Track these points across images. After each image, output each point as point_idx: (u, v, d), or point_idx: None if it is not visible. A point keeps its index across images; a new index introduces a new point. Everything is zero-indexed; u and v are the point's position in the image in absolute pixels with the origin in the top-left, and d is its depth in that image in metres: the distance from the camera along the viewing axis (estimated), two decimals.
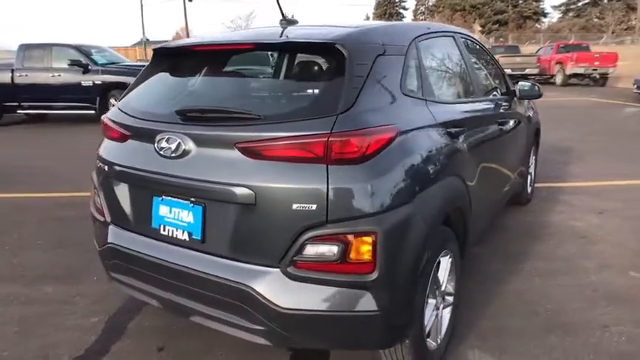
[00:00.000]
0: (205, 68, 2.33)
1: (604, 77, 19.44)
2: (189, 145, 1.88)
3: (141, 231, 2.12)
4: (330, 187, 1.69)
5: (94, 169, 2.45)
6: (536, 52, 23.14)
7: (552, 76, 20.69)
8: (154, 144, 1.98)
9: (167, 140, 1.93)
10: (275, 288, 1.77)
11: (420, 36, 2.40)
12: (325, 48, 1.93)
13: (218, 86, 2.31)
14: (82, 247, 3.62)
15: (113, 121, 2.25)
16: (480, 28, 42.73)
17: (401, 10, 60.07)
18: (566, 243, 3.70)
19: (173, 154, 1.91)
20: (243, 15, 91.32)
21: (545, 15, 46.34)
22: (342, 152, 1.70)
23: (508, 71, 21.81)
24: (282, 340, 1.86)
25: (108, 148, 2.28)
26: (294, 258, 1.74)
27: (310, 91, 1.93)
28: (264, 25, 2.48)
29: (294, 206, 1.71)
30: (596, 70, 19.21)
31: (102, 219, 2.31)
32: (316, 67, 2.03)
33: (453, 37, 2.94)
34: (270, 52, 2.41)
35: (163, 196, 2.02)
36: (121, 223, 2.21)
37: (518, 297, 2.88)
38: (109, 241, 2.22)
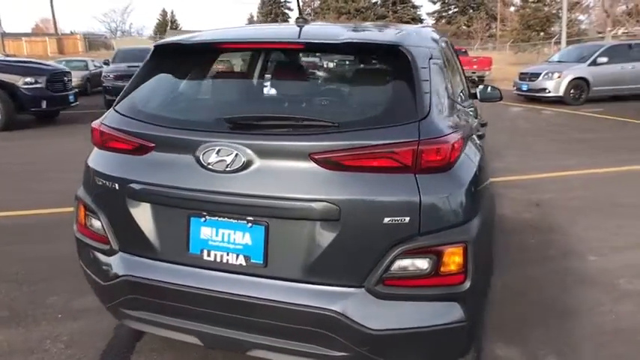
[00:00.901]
0: (245, 69, 2.07)
1: (481, 80, 21.54)
2: (250, 157, 1.65)
3: (171, 258, 1.82)
4: (422, 197, 1.59)
5: (84, 185, 2.06)
6: None
7: None
8: (195, 156, 1.71)
9: (218, 152, 1.67)
10: (362, 309, 1.63)
11: (439, 39, 2.40)
12: (389, 50, 1.82)
13: (269, 90, 2.06)
14: (19, 279, 3.08)
15: (119, 130, 1.90)
16: None
17: (286, 11, 60.59)
18: (524, 234, 3.99)
19: (228, 168, 1.66)
20: (118, 9, 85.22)
21: (421, 21, 49.96)
22: (431, 160, 1.62)
23: None
24: None
25: (112, 162, 1.92)
26: (383, 275, 1.62)
27: (380, 95, 1.81)
28: (277, 24, 2.28)
29: (386, 220, 1.58)
30: (474, 72, 21.20)
31: (103, 247, 1.95)
32: (378, 70, 1.90)
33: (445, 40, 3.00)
34: (319, 54, 2.21)
35: (207, 217, 1.75)
36: (137, 250, 1.88)
37: (504, 287, 3.00)
38: (121, 273, 1.88)
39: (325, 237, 1.63)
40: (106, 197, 1.93)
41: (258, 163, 1.66)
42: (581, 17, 31.98)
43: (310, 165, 1.62)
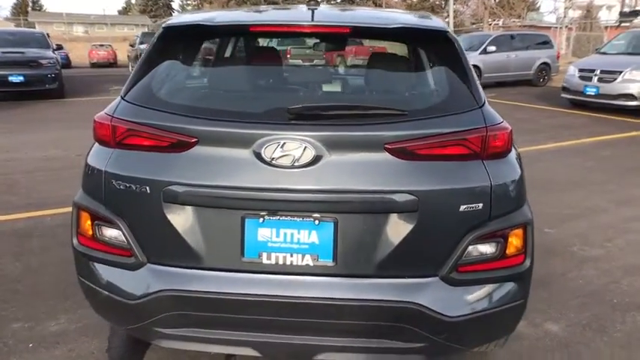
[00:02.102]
0: (286, 54, 1.89)
1: None
2: (320, 150, 1.54)
3: (222, 265, 1.65)
4: (492, 183, 1.62)
5: (87, 190, 1.78)
6: None
7: None
8: (253, 151, 1.55)
9: (282, 146, 1.53)
10: (439, 298, 1.62)
11: None
12: (437, 36, 1.79)
13: (319, 77, 1.90)
14: None
15: (145, 124, 1.65)
16: None
17: None
18: None
19: (296, 163, 1.53)
20: None
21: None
22: (495, 146, 1.65)
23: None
24: (442, 351, 1.73)
25: (138, 161, 1.67)
26: (457, 262, 1.62)
27: (437, 82, 1.77)
28: (288, 6, 2.12)
29: (462, 207, 1.58)
30: None
31: (125, 260, 1.71)
32: (429, 56, 1.85)
33: None
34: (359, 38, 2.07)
35: (266, 217, 1.60)
36: (175, 260, 1.67)
37: None
38: (157, 288, 1.65)
39: (401, 229, 1.58)
40: (129, 202, 1.67)
41: (328, 156, 1.55)
42: (461, 9, 34.64)
43: (385, 156, 1.56)
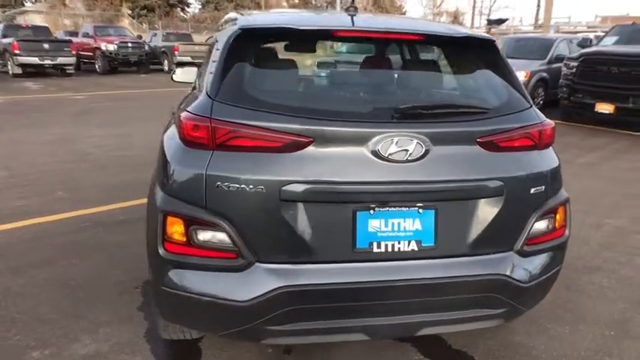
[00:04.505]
0: (367, 58, 2.00)
1: None
2: (428, 145, 1.73)
3: (334, 258, 1.76)
4: (548, 168, 1.95)
5: (179, 195, 1.74)
6: (207, 40, 24.60)
7: None
8: (370, 148, 1.69)
9: (397, 143, 1.69)
10: (516, 268, 1.91)
11: None
12: (489, 45, 2.06)
13: (403, 79, 2.03)
14: None
15: (256, 126, 1.67)
16: (129, 12, 41.54)
17: None
18: None
19: (409, 158, 1.70)
20: None
21: (188, 5, 48.87)
22: (547, 138, 1.99)
23: (188, 59, 22.38)
24: (515, 314, 2.01)
25: (249, 162, 1.68)
26: (527, 237, 1.92)
27: (498, 85, 2.00)
28: (336, 13, 2.23)
29: (532, 190, 1.89)
30: None
31: (231, 263, 1.73)
32: (486, 63, 2.08)
33: None
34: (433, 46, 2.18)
35: (376, 209, 1.74)
36: (286, 257, 1.75)
37: None
38: (273, 286, 1.71)
39: (490, 212, 1.83)
40: (238, 204, 1.68)
41: (433, 150, 1.74)
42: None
43: (477, 148, 1.80)
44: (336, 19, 2.03)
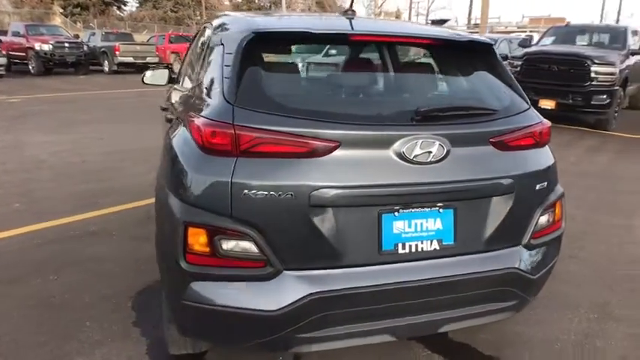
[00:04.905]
0: (381, 61, 2.00)
1: None
2: (448, 146, 1.77)
3: (361, 261, 1.77)
4: (548, 165, 2.06)
5: (203, 204, 1.68)
6: (148, 40, 23.77)
7: (170, 64, 21.93)
8: (395, 151, 1.71)
9: (421, 145, 1.72)
10: (525, 261, 2.00)
11: None
12: (489, 48, 2.14)
13: (414, 83, 2.04)
14: None
15: (282, 132, 1.64)
16: (61, 10, 39.29)
17: None
18: None
19: (433, 159, 1.74)
20: None
21: (125, 3, 46.91)
22: (546, 137, 2.09)
23: (130, 60, 21.41)
24: (524, 304, 2.09)
25: (273, 168, 1.65)
26: (533, 231, 2.02)
27: (499, 87, 2.08)
28: (332, 16, 2.21)
29: (537, 186, 1.99)
30: None
31: (259, 272, 1.70)
32: (486, 65, 2.14)
33: None
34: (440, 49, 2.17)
35: (400, 210, 1.77)
36: (313, 263, 1.74)
37: None
38: (303, 294, 1.69)
39: (503, 208, 1.91)
40: (266, 211, 1.65)
41: (452, 151, 1.79)
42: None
43: (489, 148, 1.87)
44: (342, 22, 2.04)
